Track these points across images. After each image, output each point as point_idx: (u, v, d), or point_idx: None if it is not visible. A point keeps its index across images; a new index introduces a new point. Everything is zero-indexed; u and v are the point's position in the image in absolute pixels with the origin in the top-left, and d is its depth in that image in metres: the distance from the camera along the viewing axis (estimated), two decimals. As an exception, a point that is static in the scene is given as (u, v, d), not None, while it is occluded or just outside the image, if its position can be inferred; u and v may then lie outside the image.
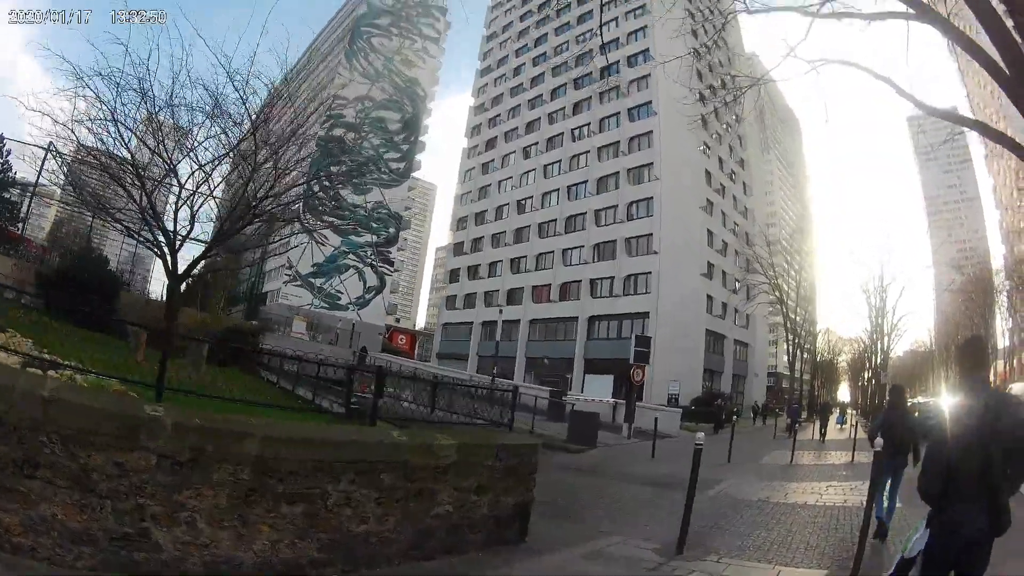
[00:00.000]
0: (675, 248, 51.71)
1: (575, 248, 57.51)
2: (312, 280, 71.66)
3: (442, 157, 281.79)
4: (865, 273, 47.56)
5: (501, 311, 55.75)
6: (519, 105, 69.46)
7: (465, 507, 6.03)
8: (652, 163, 54.72)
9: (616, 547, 7.39)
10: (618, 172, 56.81)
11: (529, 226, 61.86)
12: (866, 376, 69.16)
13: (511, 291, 61.22)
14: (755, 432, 38.50)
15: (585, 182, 58.86)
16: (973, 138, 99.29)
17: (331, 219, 75.65)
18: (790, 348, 48.99)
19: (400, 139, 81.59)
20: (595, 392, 47.63)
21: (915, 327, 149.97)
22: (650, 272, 51.64)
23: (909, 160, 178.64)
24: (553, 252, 58.84)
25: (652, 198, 53.62)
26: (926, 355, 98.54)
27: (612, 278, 53.70)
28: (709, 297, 55.67)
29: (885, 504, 8.33)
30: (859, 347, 72.03)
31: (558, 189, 60.99)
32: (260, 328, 50.80)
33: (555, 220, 59.74)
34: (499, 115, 71.65)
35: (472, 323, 63.75)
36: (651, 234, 52.48)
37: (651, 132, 55.90)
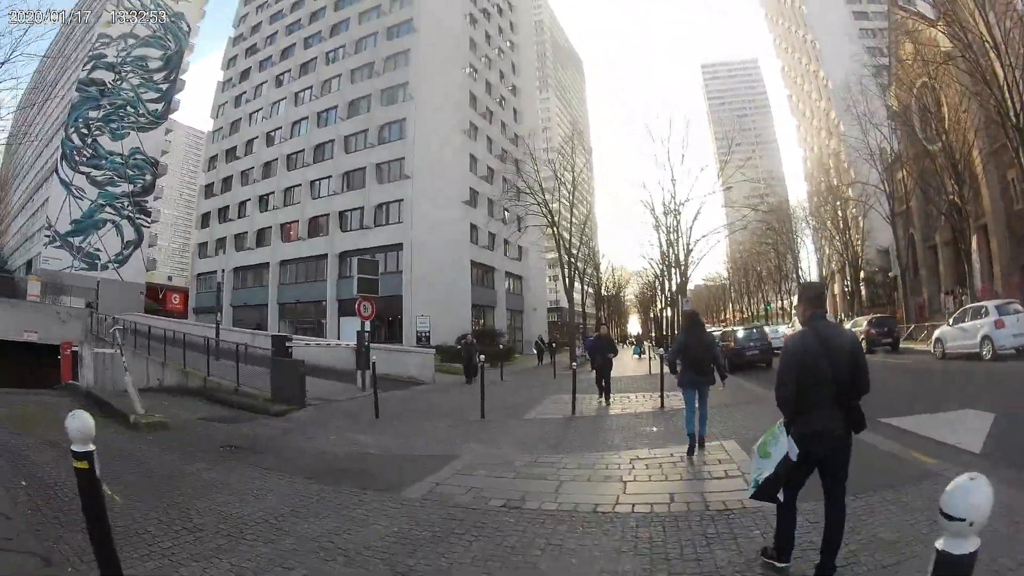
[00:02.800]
0: (431, 173, 46.52)
1: (323, 179, 50.99)
2: (71, 240, 63.06)
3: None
4: (657, 196, 43.18)
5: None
6: (276, 32, 61.89)
7: None
8: (407, 82, 49.06)
9: None
10: (371, 94, 50.77)
11: (277, 159, 54.65)
12: (659, 306, 67.46)
13: (260, 231, 54.01)
14: (535, 372, 33.54)
15: (335, 107, 52.38)
16: (775, 85, 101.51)
17: (88, 169, 67.19)
18: (566, 277, 44.45)
19: (160, 78, 73.07)
20: (352, 336, 42.39)
21: (708, 259, 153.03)
22: (402, 199, 46.11)
23: (700, 104, 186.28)
24: (301, 185, 52.06)
25: (405, 119, 48.03)
26: (719, 288, 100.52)
27: (362, 208, 47.72)
28: (473, 227, 51.01)
29: (696, 422, 8.80)
30: (649, 278, 70.16)
31: (307, 117, 54.13)
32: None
33: (303, 150, 52.89)
34: (256, 44, 63.71)
35: (224, 270, 56.13)
36: (403, 158, 46.94)
37: (408, 50, 50.24)
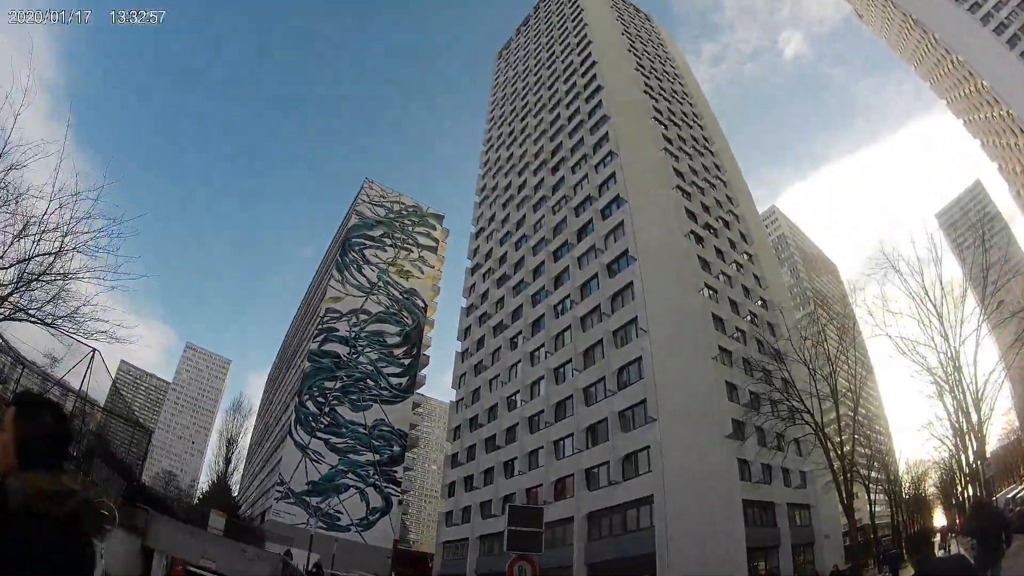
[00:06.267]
0: (680, 411, 41.14)
1: (566, 437, 47.34)
2: (306, 498, 64.68)
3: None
4: (931, 355, 33.44)
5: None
6: (503, 296, 63.00)
7: None
8: (636, 317, 45.71)
9: None
10: (602, 339, 47.81)
11: (519, 423, 52.47)
12: (958, 489, 54.52)
13: (506, 497, 50.57)
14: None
15: (570, 360, 49.96)
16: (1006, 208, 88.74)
17: (327, 436, 70.00)
18: (841, 490, 35.04)
19: (400, 353, 76.56)
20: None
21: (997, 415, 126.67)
22: (648, 446, 40.72)
23: (947, 255, 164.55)
24: (543, 446, 48.71)
25: (640, 358, 43.95)
26: (1013, 443, 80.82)
27: (607, 463, 42.86)
28: (743, 462, 43.77)
29: None
30: (943, 458, 57.55)
31: (543, 376, 52.12)
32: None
33: (543, 411, 50.35)
34: (486, 312, 64.97)
35: (468, 539, 53.13)
36: (644, 400, 42.17)
37: (631, 283, 47.51)
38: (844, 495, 34.09)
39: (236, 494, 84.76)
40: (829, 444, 34.95)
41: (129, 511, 24.55)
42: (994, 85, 72.78)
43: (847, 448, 37.15)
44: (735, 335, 50.27)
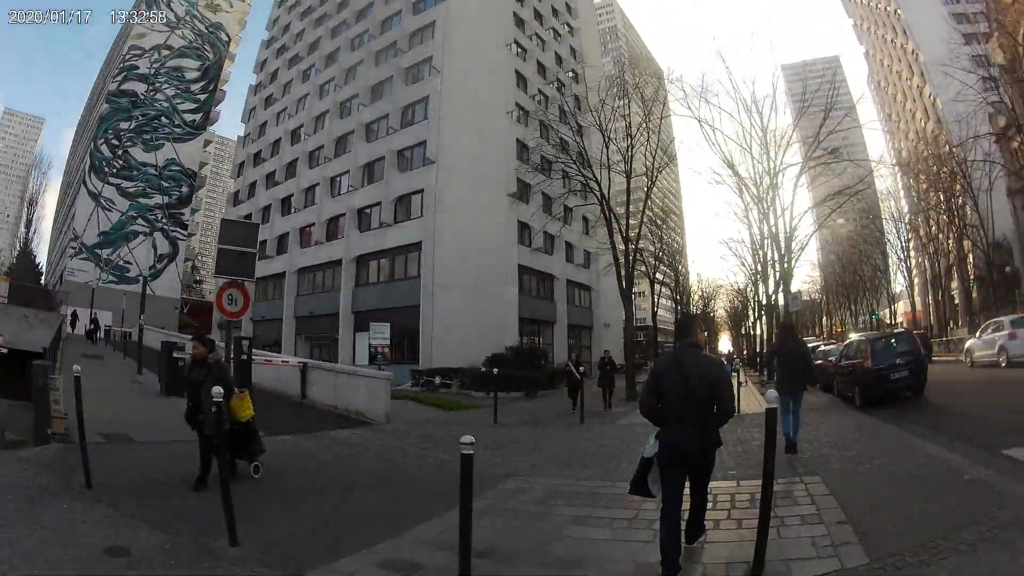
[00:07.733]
0: (464, 160, 39.27)
1: (343, 174, 44.68)
2: (98, 251, 60.04)
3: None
4: (745, 169, 32.28)
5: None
6: (304, 28, 57.08)
7: None
8: (432, 56, 42.19)
9: None
10: (393, 75, 44.25)
11: (299, 157, 49.17)
12: (751, 319, 58.52)
13: (280, 237, 48.36)
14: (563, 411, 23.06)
15: (357, 95, 46.40)
16: (860, 79, 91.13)
17: (119, 181, 64.23)
18: (621, 272, 33.83)
19: (198, 88, 69.73)
20: (367, 355, 35.01)
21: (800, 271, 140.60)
22: (423, 189, 38.80)
23: (783, 108, 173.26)
24: (320, 183, 46.07)
25: (428, 97, 41.00)
26: (813, 302, 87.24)
27: (380, 204, 40.79)
28: (524, 225, 42.88)
29: (791, 422, 9.35)
30: (738, 284, 61.22)
31: (329, 109, 48.38)
32: None
33: (323, 145, 47.17)
34: (285, 43, 59.24)
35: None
36: (425, 141, 39.73)
37: (434, 22, 43.36)
38: (624, 281, 32.59)
39: (42, 261, 78.65)
40: (615, 222, 33.29)
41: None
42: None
43: (634, 232, 35.80)
44: (537, 97, 48.22)
